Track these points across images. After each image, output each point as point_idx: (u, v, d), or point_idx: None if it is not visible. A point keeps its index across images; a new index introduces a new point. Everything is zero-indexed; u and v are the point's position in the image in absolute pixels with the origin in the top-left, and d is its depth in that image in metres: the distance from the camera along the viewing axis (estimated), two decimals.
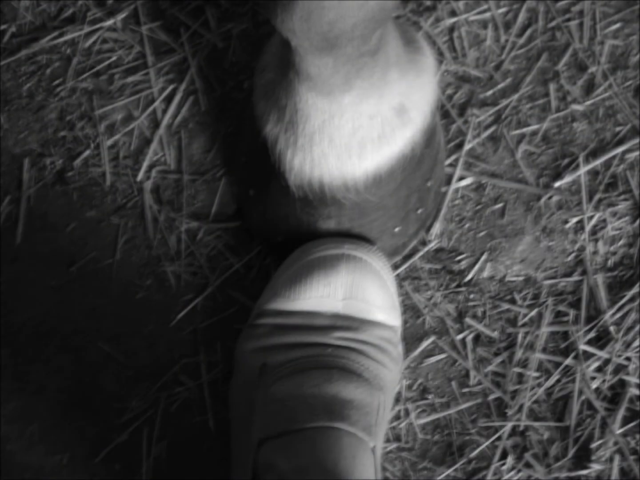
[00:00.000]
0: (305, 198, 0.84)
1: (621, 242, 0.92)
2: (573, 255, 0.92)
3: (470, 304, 0.91)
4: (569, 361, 0.89)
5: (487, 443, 0.88)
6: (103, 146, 0.95)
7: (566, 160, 0.94)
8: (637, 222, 0.92)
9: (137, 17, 0.98)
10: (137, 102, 0.96)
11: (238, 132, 0.94)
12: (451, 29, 0.97)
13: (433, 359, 0.90)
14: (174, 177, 0.94)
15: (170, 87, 0.96)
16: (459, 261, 0.92)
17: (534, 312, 0.90)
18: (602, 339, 0.90)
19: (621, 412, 0.88)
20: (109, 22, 0.97)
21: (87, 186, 0.94)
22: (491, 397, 0.89)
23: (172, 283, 0.91)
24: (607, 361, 0.89)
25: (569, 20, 0.97)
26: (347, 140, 0.80)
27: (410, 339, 0.90)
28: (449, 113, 0.95)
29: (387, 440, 0.88)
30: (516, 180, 0.94)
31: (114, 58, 0.97)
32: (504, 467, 0.88)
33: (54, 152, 0.95)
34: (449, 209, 0.93)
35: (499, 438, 0.88)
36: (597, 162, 0.93)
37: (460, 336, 0.90)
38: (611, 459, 0.87)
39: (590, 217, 0.92)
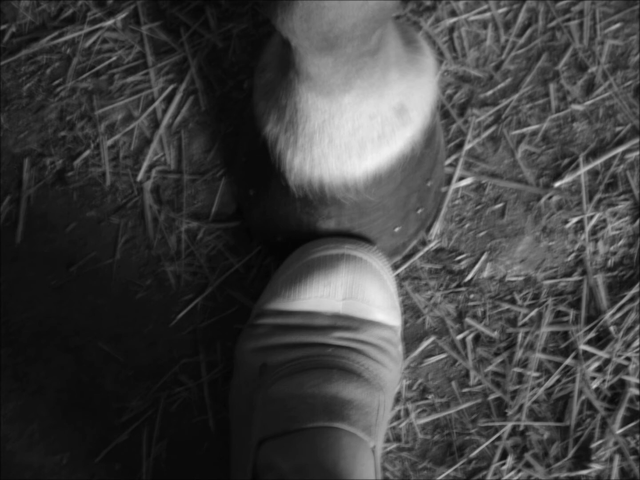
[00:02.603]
0: (305, 198, 0.84)
1: (621, 242, 0.92)
2: (573, 255, 0.92)
3: (470, 304, 0.91)
4: (569, 361, 0.89)
5: (487, 443, 0.88)
6: (103, 146, 0.95)
7: (566, 160, 0.94)
8: (637, 222, 0.92)
9: (137, 17, 0.98)
10: (137, 102, 0.96)
11: (238, 132, 0.94)
12: (451, 29, 0.97)
13: (433, 359, 0.90)
14: (174, 177, 0.94)
15: (170, 87, 0.96)
16: (459, 261, 0.92)
17: (534, 312, 0.90)
18: (602, 339, 0.90)
19: (621, 412, 0.88)
20: (109, 22, 0.97)
21: (87, 186, 0.94)
22: (491, 397, 0.89)
23: (172, 283, 0.91)
24: (607, 361, 0.89)
25: (569, 20, 0.97)
26: (347, 140, 0.80)
27: (410, 339, 0.90)
28: (449, 113, 0.95)
29: (387, 440, 0.88)
30: (516, 180, 0.94)
31: (114, 58, 0.97)
32: (504, 467, 0.88)
33: (54, 152, 0.95)
34: (449, 209, 0.93)
35: (499, 438, 0.88)
36: (597, 162, 0.93)
37: (460, 336, 0.90)
38: (611, 459, 0.87)
39: (590, 217, 0.92)
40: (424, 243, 0.92)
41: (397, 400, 0.89)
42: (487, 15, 0.97)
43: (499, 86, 0.96)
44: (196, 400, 0.89)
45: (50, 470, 0.88)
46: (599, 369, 0.89)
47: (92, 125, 0.95)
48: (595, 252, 0.92)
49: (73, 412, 0.89)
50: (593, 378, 0.89)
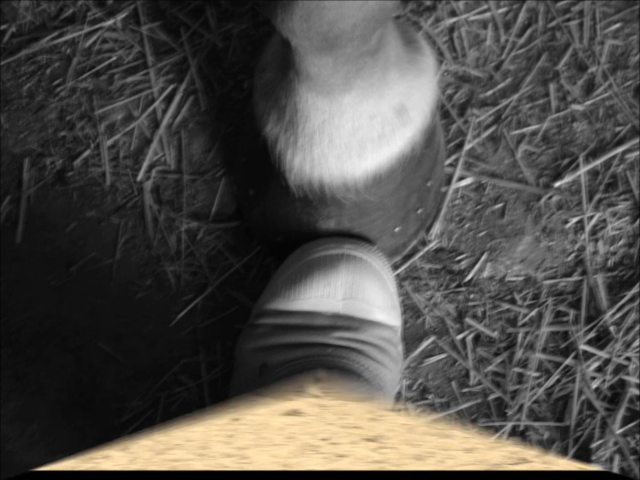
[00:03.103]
0: (305, 198, 0.84)
1: (621, 242, 0.92)
2: (573, 255, 0.92)
3: (470, 304, 0.91)
4: (569, 361, 0.89)
5: None
6: (103, 146, 0.95)
7: (566, 160, 0.94)
8: (637, 222, 0.92)
9: (137, 17, 0.98)
10: (137, 102, 0.96)
11: (238, 132, 0.94)
12: (451, 29, 0.97)
13: (433, 359, 0.90)
14: (174, 177, 0.94)
15: (170, 87, 0.96)
16: (459, 261, 0.92)
17: (534, 312, 0.90)
18: (602, 339, 0.90)
19: (621, 412, 0.88)
20: (109, 22, 0.97)
21: (87, 186, 0.94)
22: (491, 397, 0.89)
23: (172, 283, 0.91)
24: (607, 361, 0.89)
25: (569, 20, 0.97)
26: (347, 140, 0.80)
27: (410, 339, 0.90)
28: (449, 113, 0.95)
29: None
30: (516, 180, 0.94)
31: (114, 58, 0.97)
32: None
33: (54, 152, 0.95)
34: (449, 209, 0.93)
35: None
36: (597, 162, 0.93)
37: (460, 336, 0.90)
38: (611, 459, 0.87)
39: (590, 217, 0.92)
40: (424, 243, 0.92)
41: (397, 400, 0.89)
42: (487, 15, 0.97)
43: (499, 86, 0.96)
44: (196, 400, 0.89)
45: None
46: (599, 369, 0.89)
47: (92, 125, 0.95)
48: (595, 252, 0.92)
49: (73, 412, 0.89)
50: (593, 378, 0.89)
